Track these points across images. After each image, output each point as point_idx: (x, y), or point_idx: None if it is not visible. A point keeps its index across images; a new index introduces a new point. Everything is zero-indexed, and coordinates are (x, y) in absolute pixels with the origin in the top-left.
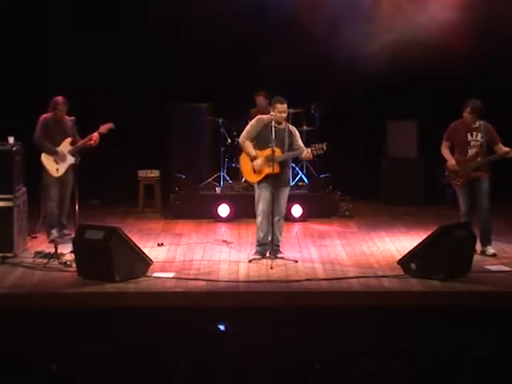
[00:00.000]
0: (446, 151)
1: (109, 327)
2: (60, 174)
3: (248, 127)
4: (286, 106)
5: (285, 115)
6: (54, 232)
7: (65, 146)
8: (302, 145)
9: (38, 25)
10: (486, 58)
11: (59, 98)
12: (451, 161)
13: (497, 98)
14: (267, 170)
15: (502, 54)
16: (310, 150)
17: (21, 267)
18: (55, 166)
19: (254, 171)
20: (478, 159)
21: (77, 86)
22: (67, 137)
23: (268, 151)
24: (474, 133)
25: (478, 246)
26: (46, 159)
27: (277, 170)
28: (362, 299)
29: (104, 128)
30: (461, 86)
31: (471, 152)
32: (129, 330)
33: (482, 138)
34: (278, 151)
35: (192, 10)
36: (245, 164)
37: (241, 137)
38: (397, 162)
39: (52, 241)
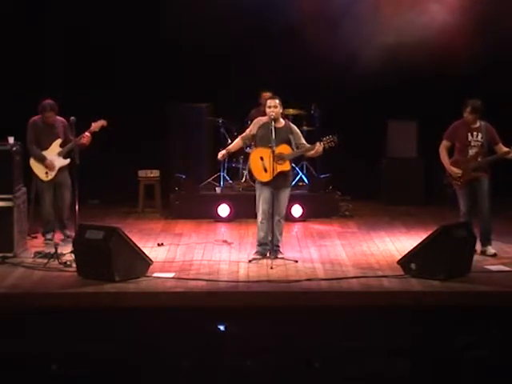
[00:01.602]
0: (444, 156)
1: (109, 327)
2: (50, 177)
3: (248, 128)
4: (276, 101)
5: (275, 110)
6: (49, 236)
7: (54, 148)
8: (304, 142)
9: (38, 24)
10: (486, 58)
11: (46, 104)
12: (451, 169)
13: (497, 98)
14: (276, 168)
15: (502, 55)
16: (321, 143)
17: (21, 267)
18: (44, 170)
19: (265, 170)
20: (479, 159)
21: (76, 86)
22: (57, 139)
23: (276, 149)
24: (475, 133)
25: (478, 246)
26: (34, 164)
27: (287, 167)
28: (362, 299)
29: (95, 126)
30: (461, 86)
31: (472, 152)
32: (129, 330)
33: (482, 138)
34: (287, 148)
35: (192, 9)
36: (255, 164)
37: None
38: (397, 161)
39: (56, 245)
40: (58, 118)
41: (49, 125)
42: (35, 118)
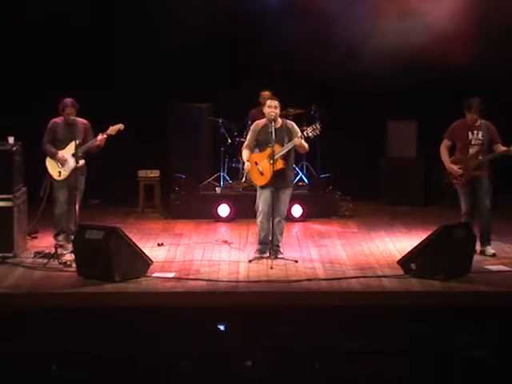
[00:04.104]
0: (445, 155)
1: (109, 327)
2: (63, 177)
3: (248, 136)
4: (277, 102)
5: (275, 111)
6: (60, 238)
7: (70, 149)
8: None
9: (39, 25)
10: (486, 58)
11: (67, 100)
12: (452, 167)
13: (497, 98)
14: (270, 169)
15: (503, 55)
16: (305, 133)
17: (21, 267)
18: (57, 170)
19: (262, 173)
20: (479, 158)
21: (77, 86)
22: (75, 139)
23: (268, 151)
24: (475, 131)
25: (478, 246)
26: (48, 163)
27: (280, 165)
28: (362, 299)
29: (113, 129)
30: (461, 87)
31: (472, 151)
32: (129, 330)
33: (483, 136)
34: (278, 148)
35: (192, 9)
36: (251, 170)
37: (243, 147)
38: (397, 161)
39: (56, 246)
40: (80, 119)
41: (69, 124)
42: (56, 119)
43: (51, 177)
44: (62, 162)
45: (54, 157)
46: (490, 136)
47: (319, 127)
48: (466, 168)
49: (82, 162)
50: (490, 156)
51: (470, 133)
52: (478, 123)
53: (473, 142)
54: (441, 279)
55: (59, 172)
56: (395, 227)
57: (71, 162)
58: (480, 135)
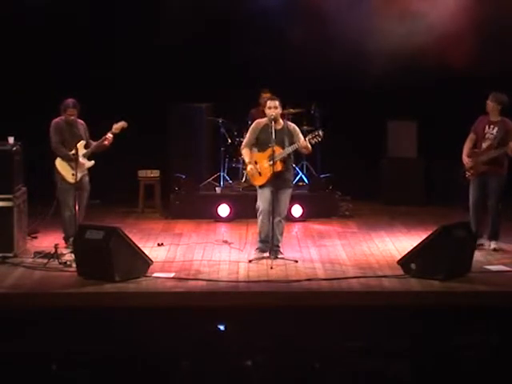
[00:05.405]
0: (465, 148)
1: (109, 327)
2: (77, 179)
3: (247, 134)
4: (276, 102)
5: (276, 111)
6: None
7: (79, 150)
8: (301, 139)
9: (38, 25)
10: (486, 58)
11: (69, 101)
12: (464, 159)
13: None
14: (269, 170)
15: (503, 54)
16: (306, 139)
17: (21, 267)
18: (71, 172)
19: (260, 174)
20: (489, 153)
21: (77, 86)
22: (80, 140)
23: (269, 151)
24: (492, 126)
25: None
26: (61, 165)
27: (279, 167)
28: (362, 299)
29: (117, 127)
30: (461, 87)
31: (485, 145)
32: (129, 330)
33: (497, 132)
34: (278, 149)
35: (192, 9)
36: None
37: (242, 145)
38: (397, 161)
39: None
40: (79, 120)
41: (71, 125)
42: (57, 119)
43: (63, 179)
44: (81, 166)
45: (72, 161)
46: (504, 132)
47: (321, 134)
48: (476, 162)
49: (92, 162)
50: (497, 151)
51: (486, 126)
52: (498, 119)
53: (487, 136)
54: (441, 279)
55: (72, 174)
56: (395, 227)
57: (85, 164)
58: (495, 130)
